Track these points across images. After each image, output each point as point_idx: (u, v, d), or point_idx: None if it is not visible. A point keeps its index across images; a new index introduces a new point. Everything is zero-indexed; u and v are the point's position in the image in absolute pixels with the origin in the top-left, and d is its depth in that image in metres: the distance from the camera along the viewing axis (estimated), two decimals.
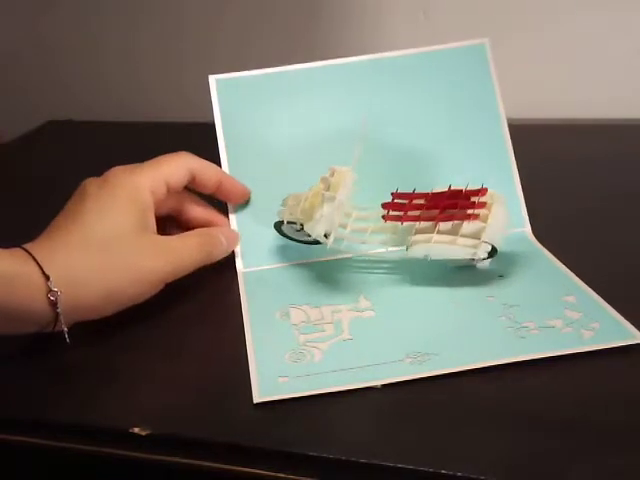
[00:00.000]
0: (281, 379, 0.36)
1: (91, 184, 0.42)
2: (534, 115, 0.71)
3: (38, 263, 0.36)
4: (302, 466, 0.31)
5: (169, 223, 0.47)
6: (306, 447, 0.32)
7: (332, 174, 0.43)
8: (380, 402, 0.34)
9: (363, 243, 0.44)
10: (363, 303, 0.42)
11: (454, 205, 0.41)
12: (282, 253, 0.47)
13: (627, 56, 0.70)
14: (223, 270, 0.46)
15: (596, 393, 0.34)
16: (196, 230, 0.46)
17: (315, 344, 0.38)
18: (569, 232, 0.49)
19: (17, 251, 0.37)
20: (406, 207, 0.43)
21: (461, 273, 0.44)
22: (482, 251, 0.41)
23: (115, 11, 0.82)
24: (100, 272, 0.38)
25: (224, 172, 0.48)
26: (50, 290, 0.36)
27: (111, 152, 0.67)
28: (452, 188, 0.42)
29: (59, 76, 0.88)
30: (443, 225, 0.41)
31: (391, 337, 0.38)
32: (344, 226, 0.43)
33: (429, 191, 0.43)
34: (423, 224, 0.42)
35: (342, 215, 0.43)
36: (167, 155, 0.45)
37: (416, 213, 0.42)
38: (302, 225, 0.43)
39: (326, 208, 0.41)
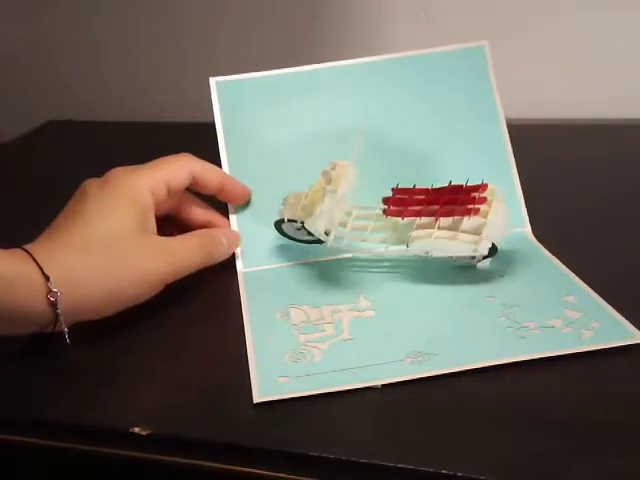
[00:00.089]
0: (281, 379, 0.36)
1: (91, 185, 0.42)
2: (534, 115, 0.71)
3: (38, 264, 0.36)
4: (302, 466, 0.31)
5: (169, 224, 0.47)
6: (306, 447, 0.32)
7: (333, 167, 0.43)
8: (380, 402, 0.34)
9: (363, 241, 0.44)
10: (363, 303, 0.42)
11: (454, 200, 0.41)
12: (282, 253, 0.47)
13: (627, 56, 0.70)
14: (223, 270, 0.46)
15: (596, 393, 0.34)
16: (197, 231, 0.46)
17: (315, 344, 0.38)
18: (569, 232, 0.49)
19: (17, 252, 0.37)
20: (407, 202, 0.43)
21: (461, 273, 0.44)
22: (483, 247, 0.40)
23: (115, 11, 0.82)
24: (100, 273, 0.38)
25: (225, 174, 0.48)
26: (50, 291, 0.36)
27: (111, 152, 0.68)
28: (453, 184, 0.42)
29: (59, 76, 0.88)
30: (444, 221, 0.41)
31: (391, 337, 0.38)
32: (344, 224, 0.44)
33: (429, 187, 0.43)
34: (424, 220, 0.42)
35: (342, 213, 0.43)
36: (168, 157, 0.45)
37: (417, 208, 0.42)
38: (302, 223, 0.43)
39: (327, 202, 0.41)
